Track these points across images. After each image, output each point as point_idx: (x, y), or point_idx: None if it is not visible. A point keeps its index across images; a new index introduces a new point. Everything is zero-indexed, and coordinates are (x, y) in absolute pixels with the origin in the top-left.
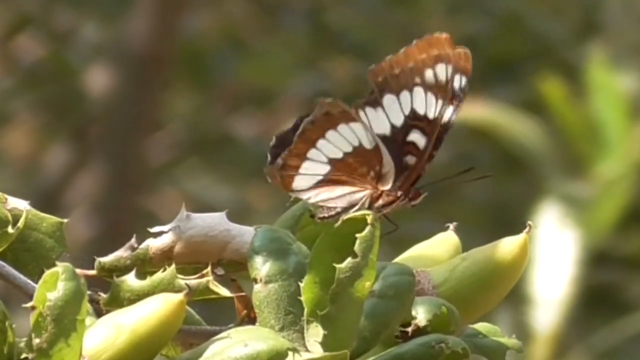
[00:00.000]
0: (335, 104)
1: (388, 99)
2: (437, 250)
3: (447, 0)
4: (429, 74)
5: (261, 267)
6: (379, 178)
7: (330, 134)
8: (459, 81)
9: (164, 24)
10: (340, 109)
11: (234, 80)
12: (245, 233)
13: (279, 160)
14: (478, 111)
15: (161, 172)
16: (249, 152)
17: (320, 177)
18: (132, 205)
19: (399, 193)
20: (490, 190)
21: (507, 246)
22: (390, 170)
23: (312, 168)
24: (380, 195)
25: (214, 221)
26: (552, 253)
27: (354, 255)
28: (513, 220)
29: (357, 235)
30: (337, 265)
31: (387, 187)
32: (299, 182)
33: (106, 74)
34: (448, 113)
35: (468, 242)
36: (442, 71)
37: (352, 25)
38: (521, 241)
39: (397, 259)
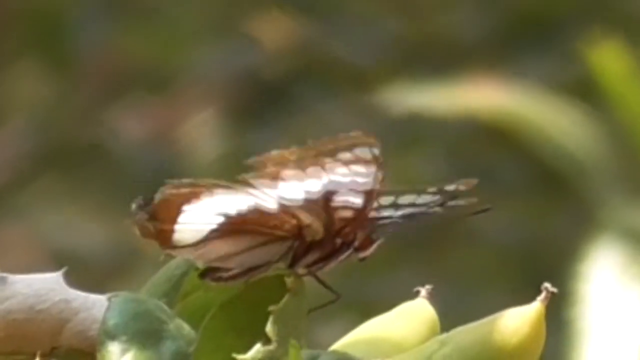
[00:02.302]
0: (204, 180)
1: (289, 175)
2: (403, 329)
3: None
4: (345, 155)
5: (118, 358)
6: (301, 228)
7: (205, 200)
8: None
9: None
10: (212, 182)
11: (109, 54)
12: (95, 305)
13: (156, 197)
14: (495, 98)
15: None
16: (133, 165)
17: (214, 227)
18: None
19: (338, 241)
20: (516, 223)
21: (510, 323)
22: (315, 222)
23: (198, 217)
24: (309, 246)
25: (44, 287)
26: (610, 319)
27: (266, 340)
28: (550, 270)
29: (271, 308)
30: (239, 356)
31: (317, 236)
32: (182, 234)
33: None
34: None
35: (481, 306)
36: (365, 151)
37: None
38: (532, 315)
39: (340, 343)
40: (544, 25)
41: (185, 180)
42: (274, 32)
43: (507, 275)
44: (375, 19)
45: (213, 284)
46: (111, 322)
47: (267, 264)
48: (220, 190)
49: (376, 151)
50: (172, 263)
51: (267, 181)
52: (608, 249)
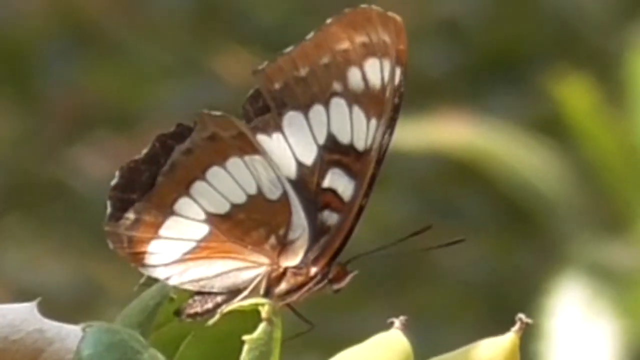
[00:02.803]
0: (227, 121)
1: (291, 119)
2: None
3: None
4: (354, 75)
5: None
6: (283, 247)
7: (214, 172)
8: (395, 78)
9: None
10: (235, 131)
11: (74, 91)
12: (69, 335)
13: (128, 214)
14: (462, 134)
15: None
16: (97, 204)
17: (193, 245)
18: None
19: (313, 271)
20: (483, 259)
21: (484, 353)
22: (302, 235)
23: (180, 229)
24: (283, 275)
25: (18, 317)
26: (576, 355)
27: None
28: (516, 304)
29: (246, 337)
30: None
31: (295, 261)
32: (156, 256)
33: None
34: (381, 136)
35: (448, 341)
36: (374, 70)
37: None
38: (507, 345)
39: None
40: (510, 61)
41: (225, 115)
42: (236, 68)
43: (474, 310)
44: None
45: (188, 320)
46: (85, 352)
47: (241, 291)
48: (233, 155)
49: (387, 71)
50: (146, 294)
51: (265, 136)
52: (573, 284)
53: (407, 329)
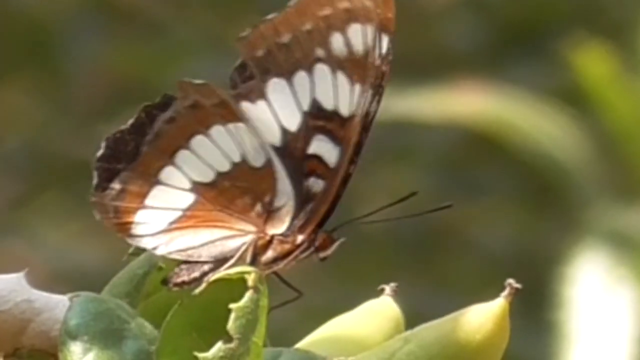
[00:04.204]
0: (209, 89)
1: (274, 86)
2: (367, 327)
3: None
4: (336, 41)
5: (80, 358)
6: (269, 215)
7: (198, 140)
8: (381, 45)
9: None
10: (217, 99)
11: (102, 68)
12: (57, 305)
13: (114, 184)
14: (480, 104)
15: None
16: None
17: (179, 214)
18: None
19: (299, 238)
20: (503, 228)
21: (473, 319)
22: (287, 202)
23: (166, 198)
24: (269, 243)
25: (6, 287)
26: (597, 322)
27: (227, 338)
28: (538, 274)
29: (232, 306)
30: (201, 355)
31: (281, 229)
32: (143, 225)
33: None
34: (368, 103)
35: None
36: (357, 35)
37: None
38: (496, 311)
39: (304, 342)
40: (529, 32)
41: (206, 84)
42: None
43: (495, 280)
44: None
45: (175, 289)
46: (72, 322)
47: (227, 260)
48: (216, 123)
49: (370, 37)
50: (134, 263)
51: (249, 103)
52: (594, 252)
53: (397, 295)
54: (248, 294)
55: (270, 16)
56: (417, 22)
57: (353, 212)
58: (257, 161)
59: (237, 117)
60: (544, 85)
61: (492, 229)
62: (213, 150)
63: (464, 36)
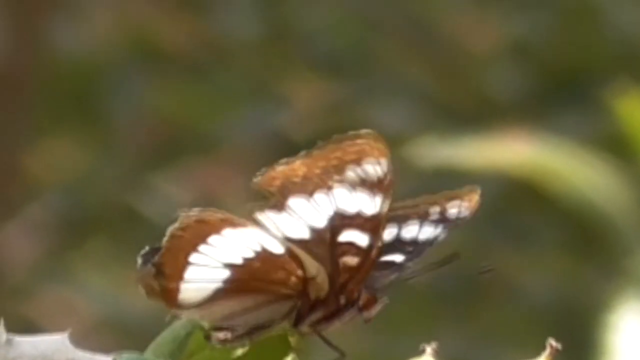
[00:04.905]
0: (210, 213)
1: (295, 203)
2: None
3: None
4: (351, 173)
5: None
6: (306, 283)
7: (213, 239)
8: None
9: (25, 29)
10: (219, 217)
11: (147, 116)
12: None
13: (153, 264)
14: (524, 152)
15: (40, 265)
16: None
17: (219, 285)
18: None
19: (342, 300)
20: (548, 277)
21: None
22: (320, 273)
23: (203, 274)
24: (313, 306)
25: (50, 348)
26: None
27: None
28: (581, 322)
29: None
30: None
31: (322, 293)
32: (187, 293)
33: None
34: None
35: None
36: (372, 168)
37: (326, 25)
38: None
39: None
40: (572, 79)
41: (191, 215)
42: (305, 93)
43: (539, 329)
44: (406, 77)
45: (218, 345)
46: None
47: (271, 323)
48: (227, 227)
49: (383, 168)
50: (177, 323)
51: (273, 213)
52: (637, 300)
53: (437, 355)
54: (291, 356)
55: (283, 161)
56: (462, 70)
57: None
58: (278, 250)
59: (241, 224)
60: (588, 132)
61: (537, 278)
62: (230, 244)
63: (508, 84)
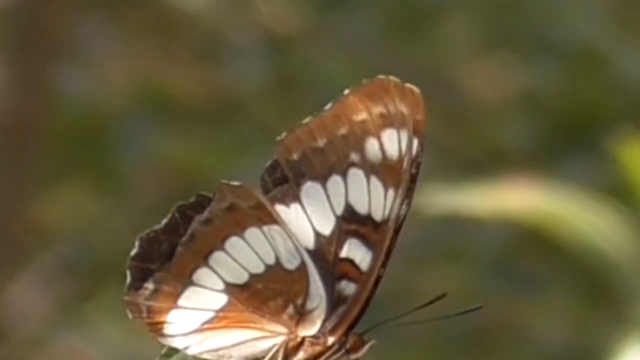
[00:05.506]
0: (246, 191)
1: (308, 190)
2: None
3: (485, 31)
4: (371, 146)
5: None
6: (301, 317)
7: (233, 242)
8: (412, 149)
9: (35, 77)
10: (253, 202)
11: (158, 164)
12: None
13: (148, 284)
14: (531, 200)
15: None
16: None
17: (211, 314)
18: None
19: (330, 341)
20: (550, 324)
21: None
22: (320, 305)
23: (199, 299)
24: (300, 344)
25: None
26: None
27: None
28: None
29: None
30: None
31: (312, 331)
32: (175, 325)
33: None
34: (399, 206)
35: None
36: (392, 140)
37: (333, 72)
38: None
39: None
40: (579, 128)
41: (243, 185)
42: None
43: None
44: None
45: None
46: None
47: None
48: (252, 225)
49: (404, 142)
50: None
51: (284, 207)
52: None
53: None
54: None
55: (306, 120)
56: (470, 118)
57: (406, 307)
58: (291, 264)
59: (273, 219)
60: (595, 180)
61: (545, 324)
62: (248, 252)
63: (515, 132)
